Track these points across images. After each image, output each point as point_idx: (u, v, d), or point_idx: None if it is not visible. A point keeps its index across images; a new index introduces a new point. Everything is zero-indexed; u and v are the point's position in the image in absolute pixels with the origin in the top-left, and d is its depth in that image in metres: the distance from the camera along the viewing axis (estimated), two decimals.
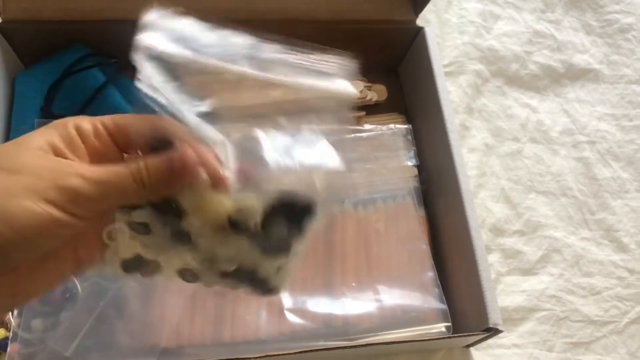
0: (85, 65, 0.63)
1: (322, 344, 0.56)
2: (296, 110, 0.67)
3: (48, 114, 0.60)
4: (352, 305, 0.59)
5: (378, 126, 0.73)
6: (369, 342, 0.54)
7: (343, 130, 0.68)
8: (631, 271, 0.73)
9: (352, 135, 0.70)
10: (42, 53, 0.65)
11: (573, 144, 0.81)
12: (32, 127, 0.60)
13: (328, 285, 0.60)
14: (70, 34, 0.64)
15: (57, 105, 0.62)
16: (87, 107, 0.61)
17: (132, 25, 0.65)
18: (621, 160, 0.81)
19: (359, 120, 0.70)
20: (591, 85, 0.86)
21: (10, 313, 0.55)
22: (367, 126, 0.71)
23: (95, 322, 0.55)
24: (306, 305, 0.59)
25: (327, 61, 0.68)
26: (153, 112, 0.31)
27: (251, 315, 0.58)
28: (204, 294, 0.59)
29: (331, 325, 0.58)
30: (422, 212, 0.67)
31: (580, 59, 0.87)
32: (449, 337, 0.58)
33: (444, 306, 0.61)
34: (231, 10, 0.65)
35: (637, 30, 0.91)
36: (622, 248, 0.75)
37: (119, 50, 0.65)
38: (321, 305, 0.59)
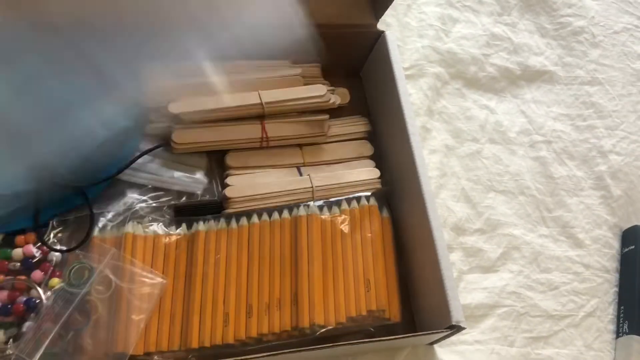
0: None
1: (288, 343, 0.57)
2: (269, 113, 0.68)
3: None
4: (319, 306, 0.60)
5: (341, 128, 0.74)
6: (335, 343, 0.55)
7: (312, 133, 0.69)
8: (586, 266, 0.76)
9: (317, 137, 0.71)
10: None
11: (530, 144, 0.83)
12: None
13: (295, 287, 0.61)
14: None
15: None
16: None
17: None
18: (576, 159, 0.84)
19: (323, 123, 0.71)
20: (547, 86, 0.89)
21: None
22: (331, 129, 0.72)
23: (61, 330, 0.54)
24: (273, 306, 0.60)
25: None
26: None
27: (218, 320, 0.59)
28: (171, 299, 0.60)
29: (298, 327, 0.59)
30: (386, 214, 0.68)
31: (536, 61, 0.90)
32: (413, 336, 0.59)
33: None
34: None
35: (588, 33, 0.95)
36: (578, 244, 0.77)
37: None
38: (288, 306, 0.60)
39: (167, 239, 0.62)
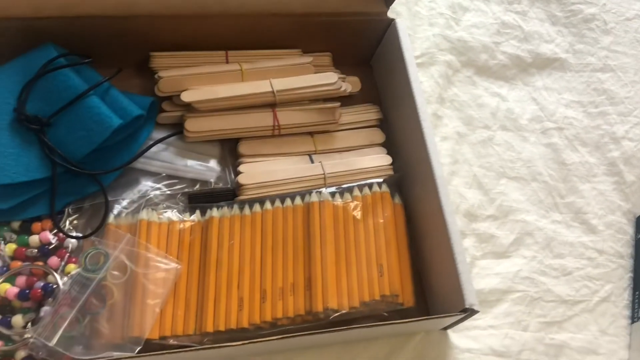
0: (59, 65, 0.62)
1: (302, 328, 0.57)
2: (280, 102, 0.69)
3: (22, 115, 0.60)
4: (332, 290, 0.60)
5: (353, 116, 0.74)
6: (349, 327, 0.55)
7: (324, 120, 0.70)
8: (600, 252, 0.76)
9: (329, 125, 0.71)
10: (15, 51, 0.64)
11: (542, 131, 0.83)
12: (5, 129, 0.60)
13: (308, 272, 0.61)
14: (44, 31, 0.63)
15: (30, 106, 0.61)
16: (64, 110, 0.61)
17: (105, 21, 0.66)
18: (588, 145, 0.83)
19: (334, 111, 0.71)
20: (558, 73, 0.89)
21: None
22: (343, 117, 0.72)
23: (78, 314, 0.55)
24: (287, 291, 0.60)
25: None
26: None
27: (233, 305, 0.59)
28: (186, 284, 0.60)
29: (311, 312, 0.59)
30: (398, 200, 0.68)
31: (547, 49, 0.90)
32: (427, 319, 0.59)
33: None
34: (204, 4, 0.66)
35: (600, 20, 0.94)
36: (591, 230, 0.77)
37: (93, 47, 0.66)
38: (302, 291, 0.60)
39: (182, 225, 0.63)
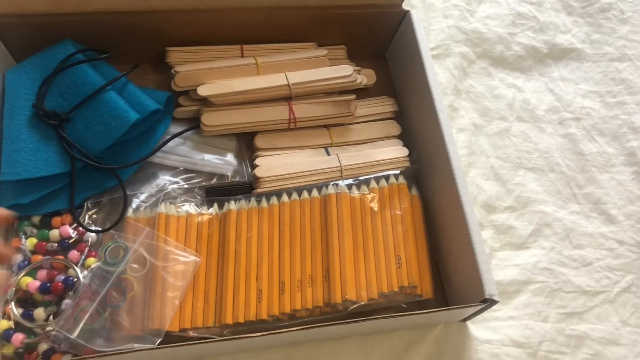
0: (77, 61, 0.63)
1: (321, 319, 0.57)
2: (296, 95, 0.69)
3: (40, 110, 0.61)
4: (351, 282, 0.60)
5: (368, 109, 0.74)
6: (368, 317, 0.55)
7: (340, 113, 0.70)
8: (620, 242, 0.75)
9: (345, 118, 0.71)
10: (33, 48, 0.65)
11: (559, 121, 0.82)
12: (25, 124, 0.61)
13: (326, 264, 0.61)
14: (61, 27, 0.64)
15: (49, 102, 0.62)
16: (82, 105, 0.61)
17: (122, 16, 0.66)
18: (606, 135, 0.83)
19: (350, 104, 0.71)
20: (574, 64, 0.88)
21: (12, 303, 0.56)
22: (358, 110, 0.72)
23: (99, 307, 0.55)
24: (305, 283, 0.60)
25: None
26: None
27: (252, 297, 0.59)
28: (205, 277, 0.60)
29: (330, 303, 0.59)
30: (415, 192, 0.68)
31: (563, 39, 0.89)
32: (447, 309, 0.59)
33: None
34: None
35: (616, 10, 0.93)
36: (610, 220, 0.76)
37: (110, 43, 0.66)
38: (320, 283, 0.60)
39: (200, 219, 0.63)
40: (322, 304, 0.60)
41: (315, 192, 0.65)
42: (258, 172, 0.66)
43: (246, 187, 0.67)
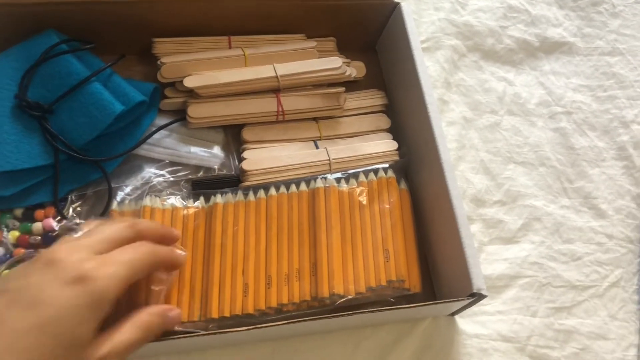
0: (61, 51, 0.62)
1: (309, 313, 0.57)
2: (284, 87, 0.68)
3: (23, 101, 0.60)
4: (338, 276, 0.59)
5: (358, 102, 0.73)
6: (355, 311, 0.55)
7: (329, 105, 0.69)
8: (610, 236, 0.75)
9: (333, 111, 0.70)
10: (16, 38, 0.64)
11: (550, 115, 0.82)
12: (7, 115, 0.59)
13: (314, 257, 0.60)
14: (45, 17, 0.63)
15: (32, 93, 0.61)
16: (66, 96, 0.60)
17: (107, 6, 0.65)
18: (597, 129, 0.82)
19: (339, 96, 0.70)
20: (566, 57, 0.88)
21: None
22: (348, 102, 0.71)
23: None
24: (293, 277, 0.60)
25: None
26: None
27: (238, 291, 0.58)
28: (190, 271, 0.60)
29: (317, 297, 0.59)
30: (404, 186, 0.67)
31: (554, 33, 0.89)
32: (434, 303, 0.58)
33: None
34: None
35: (608, 4, 0.93)
36: (600, 214, 0.76)
37: (95, 33, 0.65)
38: (307, 277, 0.60)
39: (185, 212, 0.62)
40: (309, 298, 0.59)
41: (303, 186, 0.65)
42: (245, 165, 0.65)
43: (233, 180, 0.66)
